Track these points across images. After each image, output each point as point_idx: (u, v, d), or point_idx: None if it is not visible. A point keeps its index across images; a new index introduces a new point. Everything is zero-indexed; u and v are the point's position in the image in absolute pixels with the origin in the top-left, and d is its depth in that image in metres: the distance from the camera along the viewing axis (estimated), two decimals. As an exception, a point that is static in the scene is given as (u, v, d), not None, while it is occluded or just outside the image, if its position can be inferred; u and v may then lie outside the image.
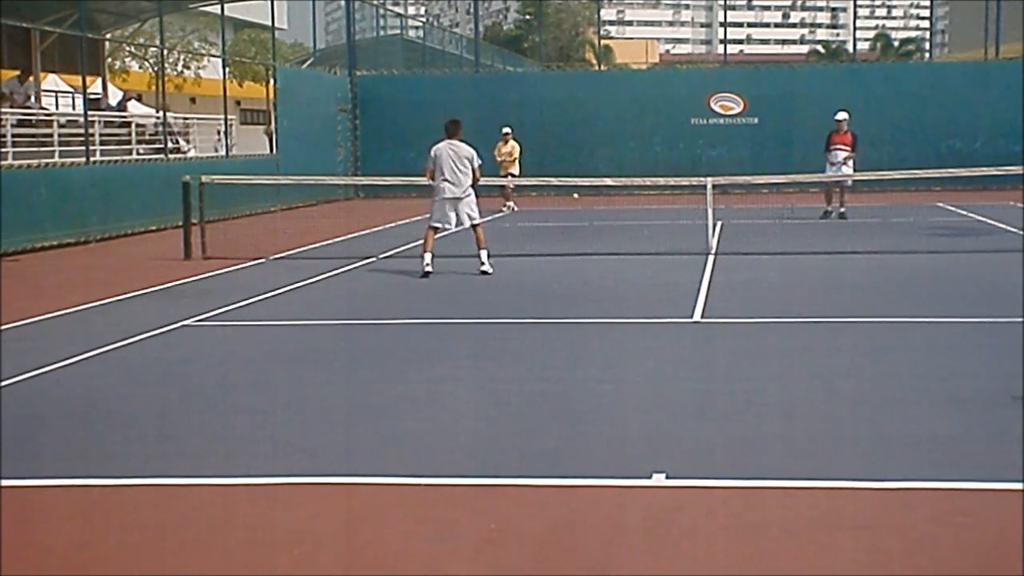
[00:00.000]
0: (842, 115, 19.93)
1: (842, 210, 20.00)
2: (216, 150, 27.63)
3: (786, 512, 4.96)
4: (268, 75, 32.77)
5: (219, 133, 28.00)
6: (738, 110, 28.91)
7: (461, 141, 13.27)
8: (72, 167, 19.12)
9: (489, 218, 17.65)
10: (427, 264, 12.92)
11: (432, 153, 13.31)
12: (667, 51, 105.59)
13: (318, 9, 34.78)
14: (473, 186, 13.26)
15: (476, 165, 13.18)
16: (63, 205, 17.89)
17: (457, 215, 13.23)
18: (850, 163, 19.62)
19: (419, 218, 21.59)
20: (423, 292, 12.04)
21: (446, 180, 13.06)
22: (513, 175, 22.82)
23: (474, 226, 13.28)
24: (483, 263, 13.06)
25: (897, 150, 26.99)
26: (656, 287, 12.10)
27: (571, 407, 6.91)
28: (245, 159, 26.70)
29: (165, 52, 29.11)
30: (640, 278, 12.83)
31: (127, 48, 38.67)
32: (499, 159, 23.42)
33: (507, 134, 23.60)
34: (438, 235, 13.46)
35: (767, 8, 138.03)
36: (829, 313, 10.11)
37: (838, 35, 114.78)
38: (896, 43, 73.32)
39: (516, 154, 23.55)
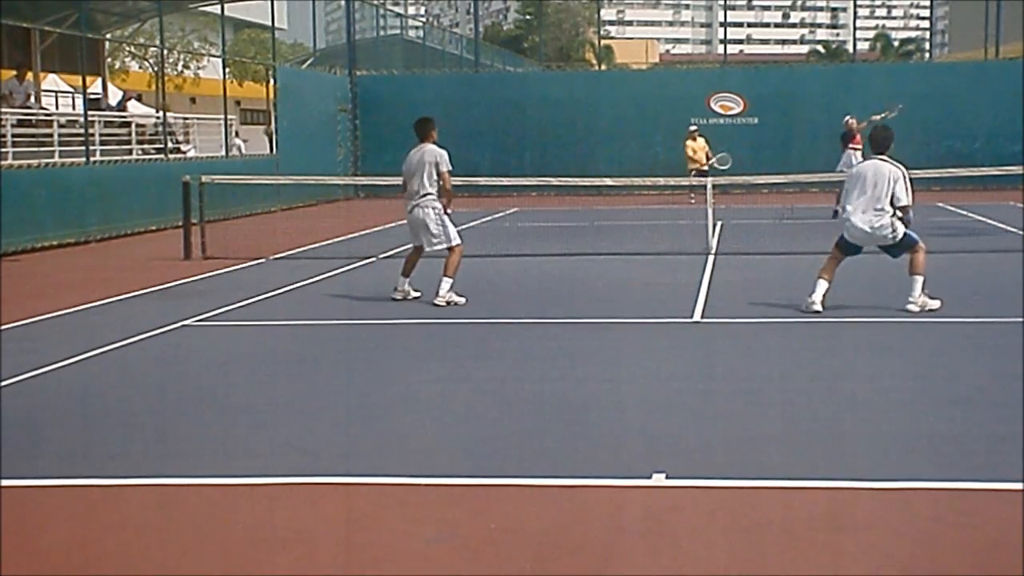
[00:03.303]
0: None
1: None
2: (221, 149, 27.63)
3: (786, 512, 4.96)
4: (268, 75, 32.77)
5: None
6: (738, 110, 28.90)
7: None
8: (72, 167, 19.11)
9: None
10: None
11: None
12: (667, 51, 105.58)
13: (318, 9, 34.73)
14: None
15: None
16: (63, 205, 17.89)
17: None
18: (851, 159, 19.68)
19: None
20: (422, 292, 12.01)
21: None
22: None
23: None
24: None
25: (897, 150, 26.78)
26: (656, 287, 12.09)
27: (571, 407, 6.90)
28: (245, 159, 26.70)
29: (165, 52, 29.10)
30: (640, 278, 12.82)
31: (127, 48, 38.66)
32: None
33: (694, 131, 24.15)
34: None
35: (767, 8, 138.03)
36: (829, 313, 10.09)
37: (838, 35, 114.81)
38: (896, 43, 73.43)
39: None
